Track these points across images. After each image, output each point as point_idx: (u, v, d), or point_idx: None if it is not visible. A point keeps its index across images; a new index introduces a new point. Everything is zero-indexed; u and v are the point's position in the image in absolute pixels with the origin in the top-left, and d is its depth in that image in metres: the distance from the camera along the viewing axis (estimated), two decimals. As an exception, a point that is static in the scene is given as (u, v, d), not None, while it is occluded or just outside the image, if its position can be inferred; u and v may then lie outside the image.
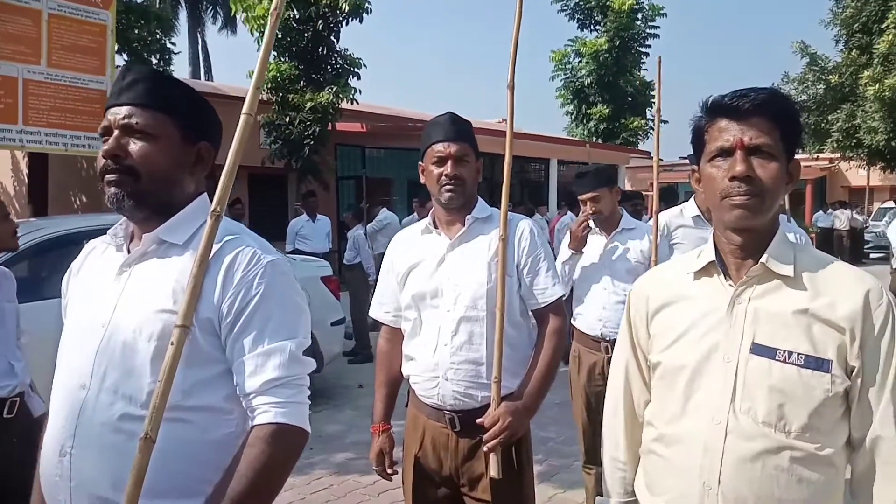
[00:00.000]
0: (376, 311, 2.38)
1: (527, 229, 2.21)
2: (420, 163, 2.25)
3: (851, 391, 1.30)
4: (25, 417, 2.66)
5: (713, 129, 1.37)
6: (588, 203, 3.32)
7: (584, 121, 19.18)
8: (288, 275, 1.39)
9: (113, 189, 1.34)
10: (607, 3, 18.34)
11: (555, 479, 4.28)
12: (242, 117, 1.39)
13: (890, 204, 18.97)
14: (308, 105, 11.22)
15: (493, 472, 2.01)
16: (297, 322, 1.38)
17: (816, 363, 1.28)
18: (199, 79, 26.95)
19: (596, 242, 3.43)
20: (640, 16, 18.81)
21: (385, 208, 10.30)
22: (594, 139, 18.31)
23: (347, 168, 14.36)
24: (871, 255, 19.66)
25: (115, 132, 1.35)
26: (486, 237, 2.18)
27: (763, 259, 1.34)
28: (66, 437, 1.32)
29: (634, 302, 1.54)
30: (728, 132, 1.33)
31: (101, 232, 1.51)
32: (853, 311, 1.28)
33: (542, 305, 2.18)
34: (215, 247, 1.31)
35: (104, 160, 1.35)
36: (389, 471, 2.30)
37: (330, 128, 11.76)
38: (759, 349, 1.31)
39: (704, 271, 1.41)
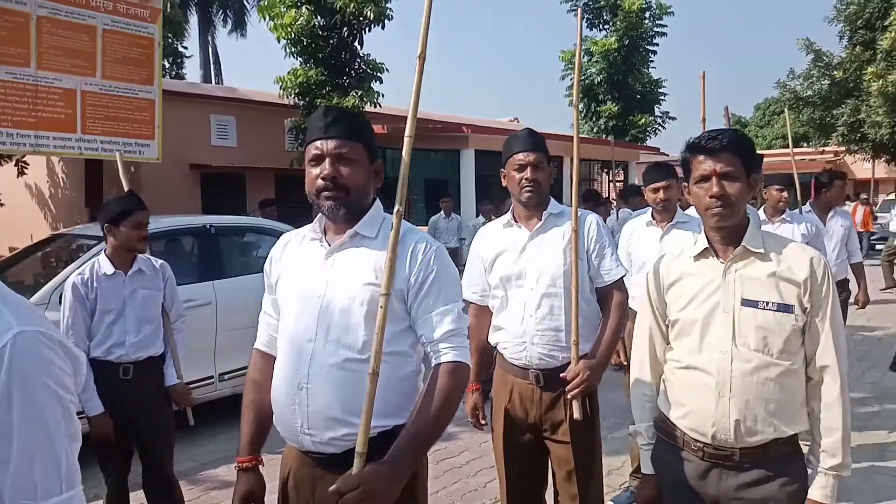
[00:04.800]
0: (465, 292, 2.85)
1: (594, 222, 2.69)
2: (502, 169, 2.74)
3: (806, 323, 1.90)
4: (141, 382, 3.21)
5: (695, 162, 1.96)
6: (661, 191, 3.81)
7: (594, 118, 19.57)
8: (447, 256, 1.89)
9: (330, 203, 1.81)
10: (617, 2, 18.69)
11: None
12: (406, 139, 1.89)
13: (893, 196, 19.30)
14: (333, 109, 11.65)
15: (577, 414, 2.50)
16: (458, 290, 1.90)
17: (784, 308, 1.89)
18: (210, 81, 27.35)
19: (652, 234, 3.92)
20: (647, 14, 19.17)
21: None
22: (604, 136, 18.69)
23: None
24: (877, 247, 19.71)
25: (328, 159, 1.81)
26: (559, 229, 2.65)
27: (743, 243, 1.93)
28: (301, 376, 1.77)
29: (652, 280, 2.13)
30: (706, 164, 1.93)
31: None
32: (804, 271, 1.89)
33: (608, 283, 2.67)
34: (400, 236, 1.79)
35: (322, 181, 1.81)
36: (483, 421, 2.79)
37: (353, 130, 12.18)
38: (747, 302, 1.91)
39: (701, 255, 2.02)
